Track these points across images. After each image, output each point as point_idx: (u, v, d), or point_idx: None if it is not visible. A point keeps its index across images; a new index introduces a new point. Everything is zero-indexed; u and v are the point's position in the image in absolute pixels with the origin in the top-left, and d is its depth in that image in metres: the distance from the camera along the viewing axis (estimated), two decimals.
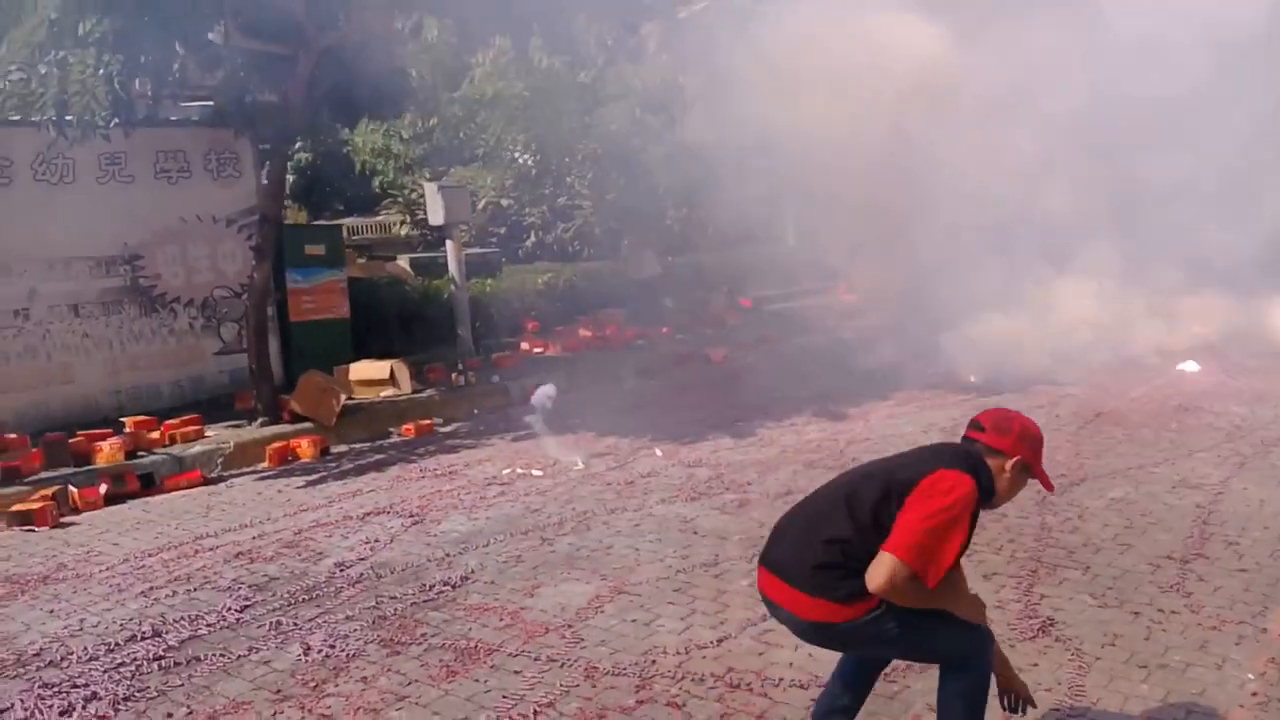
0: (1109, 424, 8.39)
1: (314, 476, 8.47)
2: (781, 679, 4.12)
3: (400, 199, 19.04)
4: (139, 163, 10.34)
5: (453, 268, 13.32)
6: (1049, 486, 3.27)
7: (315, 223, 18.31)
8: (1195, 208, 10.49)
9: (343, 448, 9.60)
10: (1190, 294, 11.16)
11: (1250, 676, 3.99)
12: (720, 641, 4.53)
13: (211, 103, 11.26)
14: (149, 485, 8.25)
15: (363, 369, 11.35)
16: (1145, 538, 5.67)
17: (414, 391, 11.30)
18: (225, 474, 8.64)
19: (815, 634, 3.16)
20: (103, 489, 7.90)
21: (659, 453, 8.19)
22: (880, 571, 2.89)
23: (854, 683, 3.40)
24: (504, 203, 17.76)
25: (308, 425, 9.88)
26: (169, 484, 8.29)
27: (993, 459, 3.12)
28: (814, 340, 13.18)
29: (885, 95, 10.63)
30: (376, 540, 6.41)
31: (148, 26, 8.06)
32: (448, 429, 10.26)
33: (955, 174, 10.56)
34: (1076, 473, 6.97)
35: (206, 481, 8.43)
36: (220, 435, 9.37)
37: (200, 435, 9.29)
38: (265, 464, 8.97)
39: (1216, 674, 4.04)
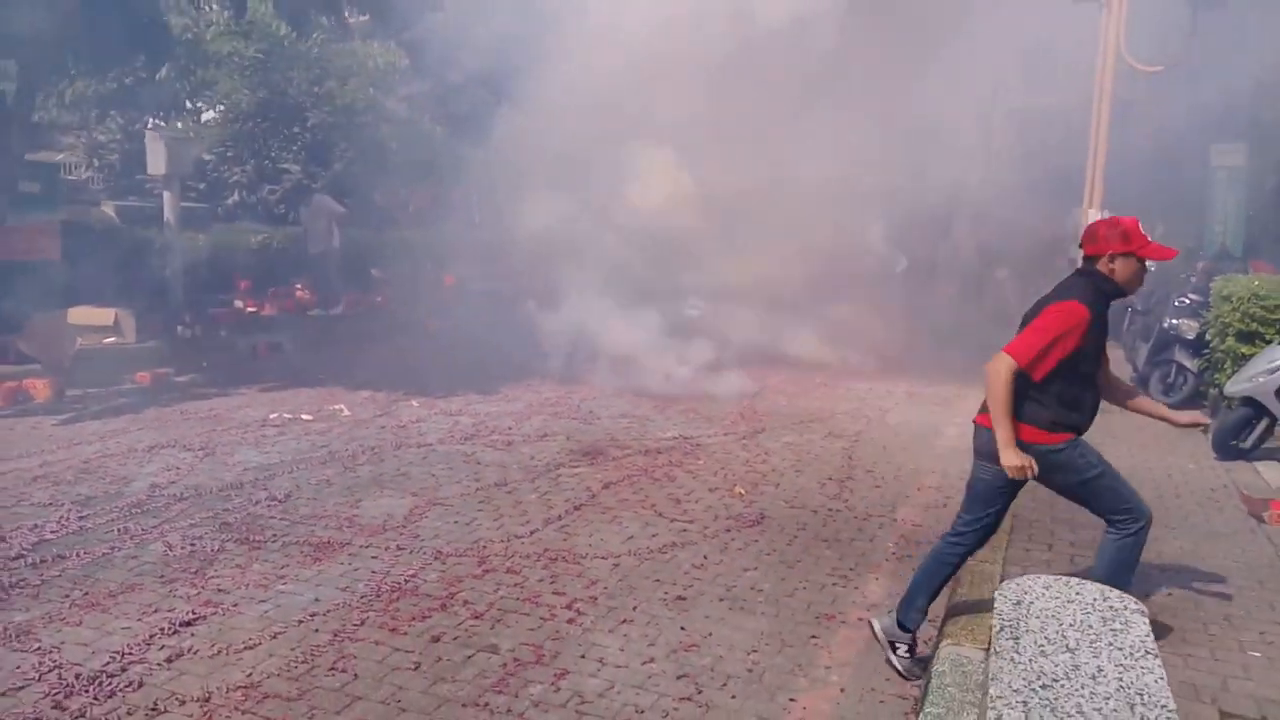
0: (773, 393, 10.52)
1: (65, 416, 8.71)
2: (587, 554, 5.53)
3: (84, 140, 18.16)
4: None
5: (169, 218, 13.37)
6: (1165, 255, 4.09)
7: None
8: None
9: (77, 391, 9.73)
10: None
11: (890, 545, 5.93)
12: (532, 533, 5.85)
13: None
14: None
15: (84, 314, 11.34)
16: (812, 467, 7.63)
17: (138, 340, 11.46)
18: None
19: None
20: None
21: (415, 404, 9.25)
22: (995, 362, 3.93)
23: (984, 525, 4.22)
24: (206, 157, 17.58)
25: (34, 367, 9.90)
26: None
27: (1098, 264, 4.07)
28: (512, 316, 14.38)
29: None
30: (177, 468, 7.06)
31: None
32: (183, 379, 10.63)
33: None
34: (757, 425, 8.91)
35: None
36: None
37: None
38: None
39: (869, 545, 5.93)
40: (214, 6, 13.91)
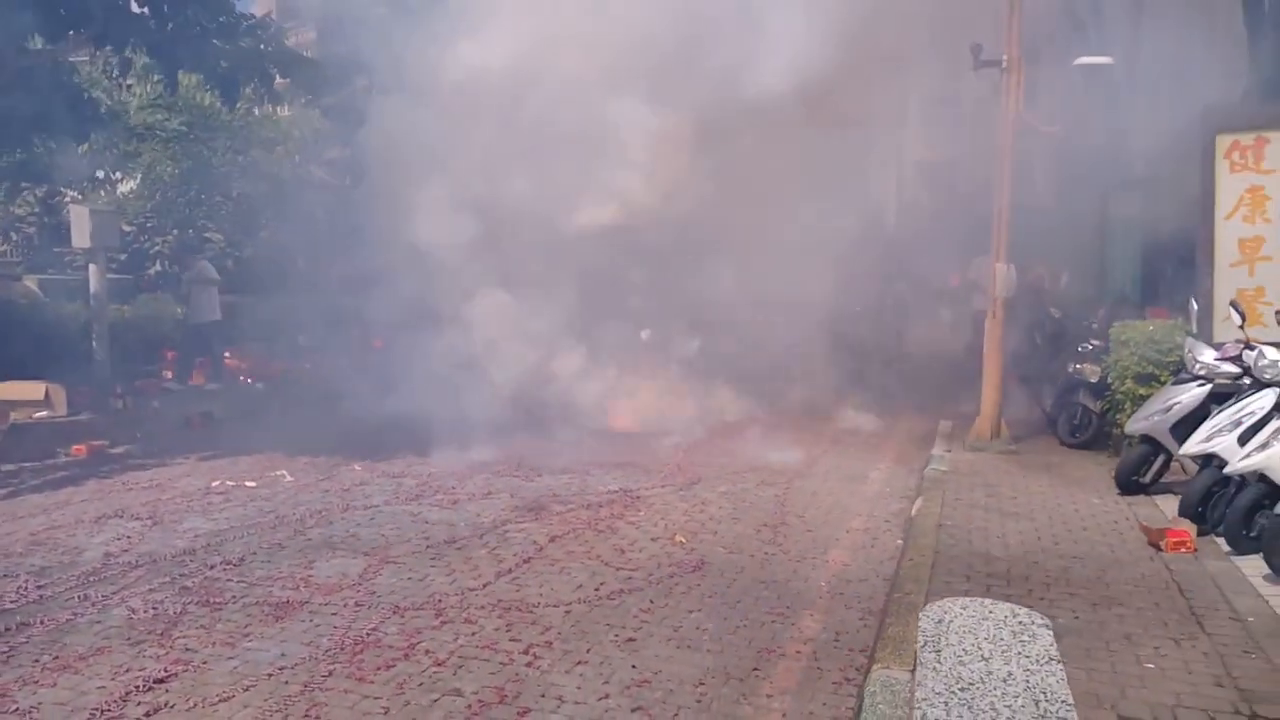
0: (707, 447, 10.93)
1: (4, 491, 8.72)
2: (539, 603, 5.82)
3: None
4: None
5: (95, 290, 13.38)
6: None
7: None
8: None
9: (11, 466, 9.74)
10: None
11: (823, 583, 6.32)
12: (485, 586, 6.11)
13: None
14: None
15: (14, 389, 11.32)
16: (748, 515, 8.01)
17: (69, 414, 11.46)
18: None
19: None
20: None
21: (357, 467, 9.45)
22: None
23: None
24: (126, 228, 17.59)
25: None
26: None
27: None
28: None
29: None
30: (128, 537, 7.18)
31: None
32: (119, 450, 10.65)
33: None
34: (693, 476, 9.29)
35: None
36: None
37: None
38: None
39: (803, 585, 6.32)
40: (135, 81, 14.12)
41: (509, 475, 9.01)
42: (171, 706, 4.45)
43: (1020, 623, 3.78)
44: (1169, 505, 7.81)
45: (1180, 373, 8.28)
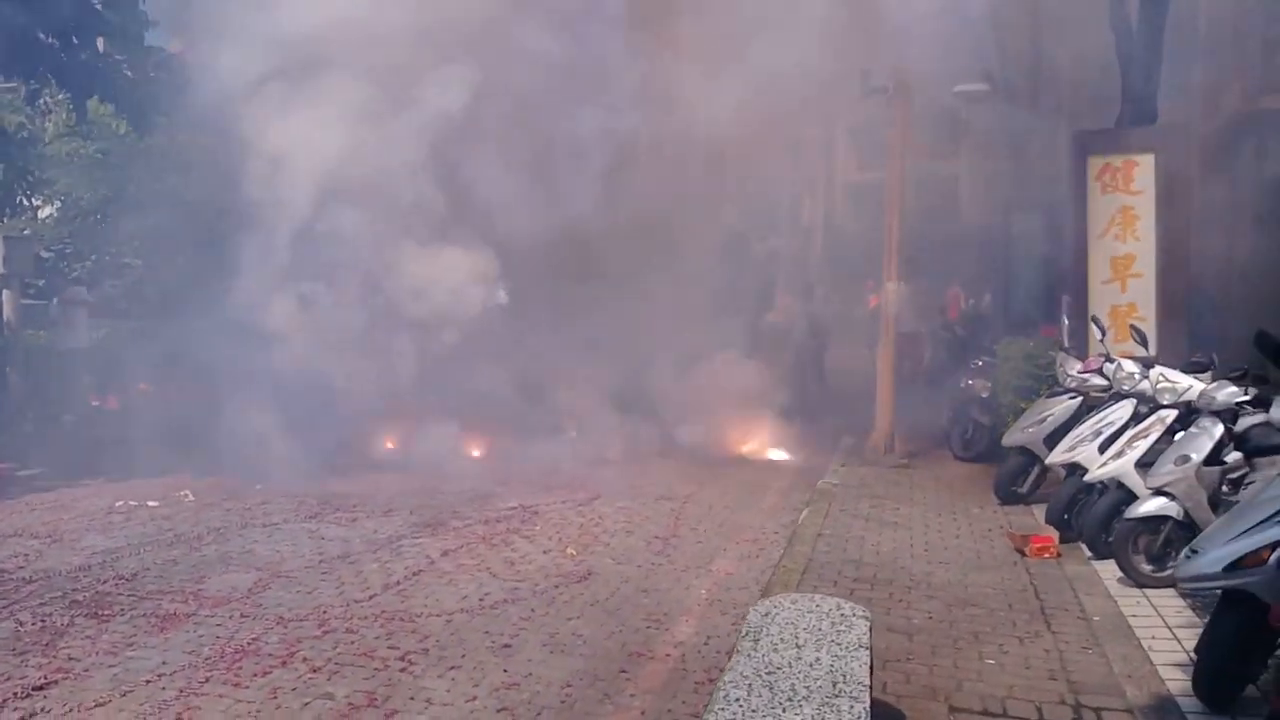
0: (609, 463, 11.14)
1: None
2: (423, 613, 6.02)
3: None
4: None
5: (8, 317, 13.34)
6: None
7: None
8: None
9: None
10: None
11: (703, 591, 6.61)
12: (371, 598, 6.30)
13: None
14: None
15: None
16: (642, 528, 8.27)
17: None
18: None
19: None
20: None
21: (259, 486, 9.56)
22: None
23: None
24: (44, 254, 17.47)
25: None
26: None
27: None
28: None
29: None
30: (25, 555, 7.26)
31: None
32: (28, 473, 10.64)
33: None
34: (594, 492, 9.53)
35: None
36: None
37: None
38: None
39: (684, 593, 6.59)
40: (50, 107, 14.15)
41: (410, 493, 9.19)
42: (48, 711, 4.60)
43: (843, 615, 4.08)
44: (1043, 514, 8.22)
45: (1054, 386, 8.73)
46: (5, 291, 13.35)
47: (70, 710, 4.62)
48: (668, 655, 5.52)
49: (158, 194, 14.71)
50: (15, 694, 4.75)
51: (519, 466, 10.60)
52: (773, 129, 12.89)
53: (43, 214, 18.13)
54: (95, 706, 4.66)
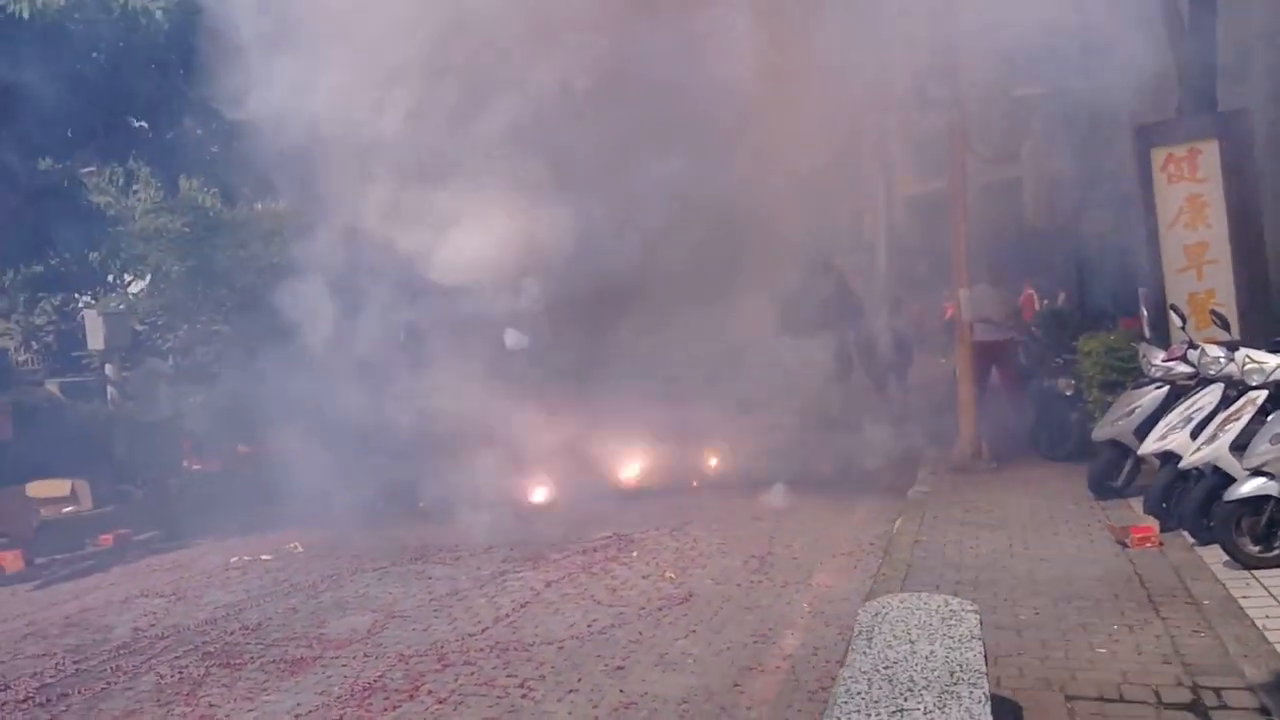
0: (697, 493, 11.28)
1: (38, 581, 9.22)
2: (535, 642, 6.24)
3: (19, 324, 18.75)
4: None
5: (112, 390, 14.01)
6: None
7: None
8: None
9: (44, 559, 10.22)
10: None
11: (805, 605, 6.71)
12: (484, 631, 6.54)
13: None
14: None
15: (43, 487, 11.82)
16: (737, 549, 8.38)
17: (94, 507, 11.97)
18: None
19: None
20: None
21: (363, 534, 9.90)
22: None
23: None
24: (138, 327, 18.26)
25: (2, 540, 10.37)
26: None
27: None
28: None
29: None
30: (154, 613, 7.63)
31: None
32: (143, 537, 11.13)
33: None
34: (685, 518, 9.67)
35: None
36: None
37: None
38: None
39: (786, 608, 6.71)
40: (140, 187, 14.86)
41: (506, 530, 9.42)
42: None
43: (951, 611, 4.18)
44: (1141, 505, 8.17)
45: (1139, 377, 8.68)
46: (108, 365, 14.03)
47: None
48: (778, 667, 5.63)
49: (243, 261, 15.35)
50: None
51: (605, 499, 10.75)
52: (835, 145, 13.02)
53: (133, 289, 18.99)
54: None
